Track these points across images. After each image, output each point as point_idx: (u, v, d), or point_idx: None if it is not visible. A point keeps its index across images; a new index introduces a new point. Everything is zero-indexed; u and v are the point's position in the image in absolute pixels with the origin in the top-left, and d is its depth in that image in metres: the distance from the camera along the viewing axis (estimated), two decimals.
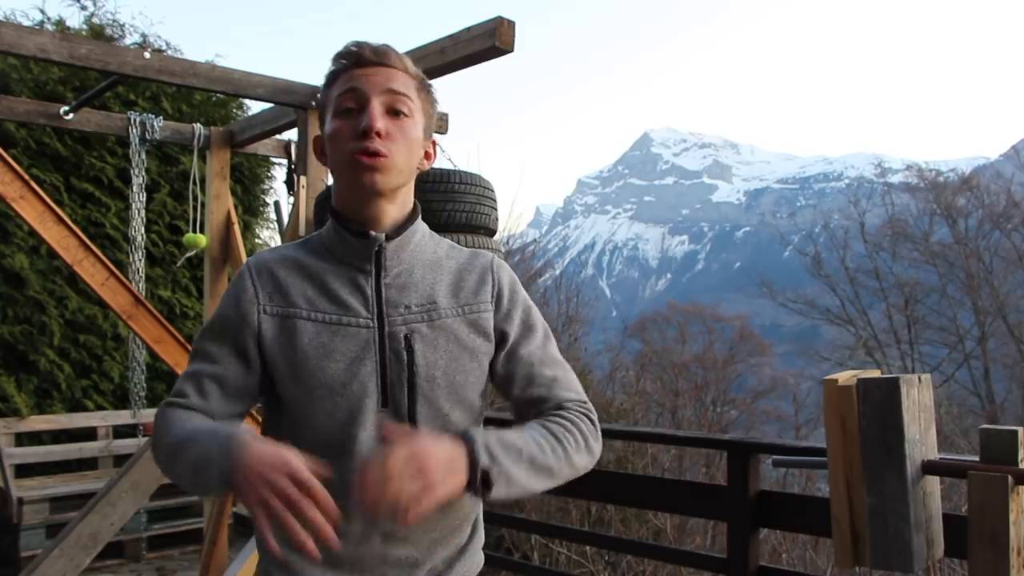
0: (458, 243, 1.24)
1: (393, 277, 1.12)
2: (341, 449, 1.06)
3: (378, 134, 1.06)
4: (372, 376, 1.07)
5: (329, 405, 1.07)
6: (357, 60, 1.10)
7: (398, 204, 1.13)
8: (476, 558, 1.21)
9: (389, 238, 1.11)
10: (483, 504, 1.23)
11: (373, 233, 1.10)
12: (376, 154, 1.06)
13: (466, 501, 1.14)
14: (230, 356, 1.10)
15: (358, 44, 1.11)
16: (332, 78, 1.12)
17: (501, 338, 1.17)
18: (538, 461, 1.04)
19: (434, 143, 1.20)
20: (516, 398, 1.17)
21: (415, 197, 1.20)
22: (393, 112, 1.09)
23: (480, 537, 1.23)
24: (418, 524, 0.97)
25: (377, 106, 1.07)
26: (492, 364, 1.17)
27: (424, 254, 1.16)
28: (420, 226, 1.17)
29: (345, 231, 1.11)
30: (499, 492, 0.98)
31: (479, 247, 2.50)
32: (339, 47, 1.13)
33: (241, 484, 0.90)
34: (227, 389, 1.10)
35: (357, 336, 1.08)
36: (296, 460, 0.90)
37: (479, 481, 0.96)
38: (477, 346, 1.14)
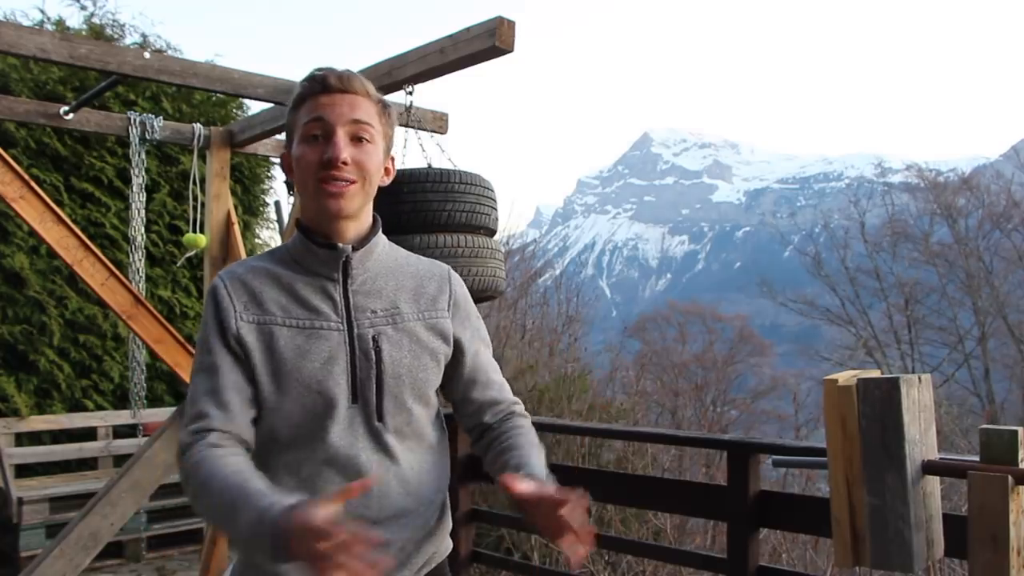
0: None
1: (359, 284, 1.22)
2: (313, 439, 1.16)
3: (344, 163, 1.15)
4: (344, 374, 1.17)
5: (306, 401, 1.15)
6: (323, 87, 1.18)
7: (360, 220, 1.23)
8: (444, 543, 1.31)
9: (355, 248, 1.21)
10: (446, 493, 1.33)
11: (340, 245, 1.19)
12: (340, 182, 1.15)
13: (431, 486, 1.26)
14: (233, 364, 1.16)
15: (323, 71, 1.19)
16: (298, 102, 1.20)
17: (459, 344, 1.30)
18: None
19: (392, 159, 1.30)
20: (475, 397, 1.33)
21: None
22: (356, 139, 1.17)
23: (448, 524, 1.33)
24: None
25: (342, 136, 1.16)
26: (454, 367, 1.30)
27: (386, 262, 1.26)
28: (381, 236, 1.28)
29: (313, 243, 1.20)
30: None
31: (479, 247, 2.51)
32: (309, 71, 1.21)
33: (293, 558, 0.92)
34: (243, 395, 1.15)
35: (329, 338, 1.17)
36: (326, 524, 0.89)
37: None
38: (437, 347, 1.26)
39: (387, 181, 1.28)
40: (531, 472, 1.16)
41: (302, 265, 1.21)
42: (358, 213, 1.21)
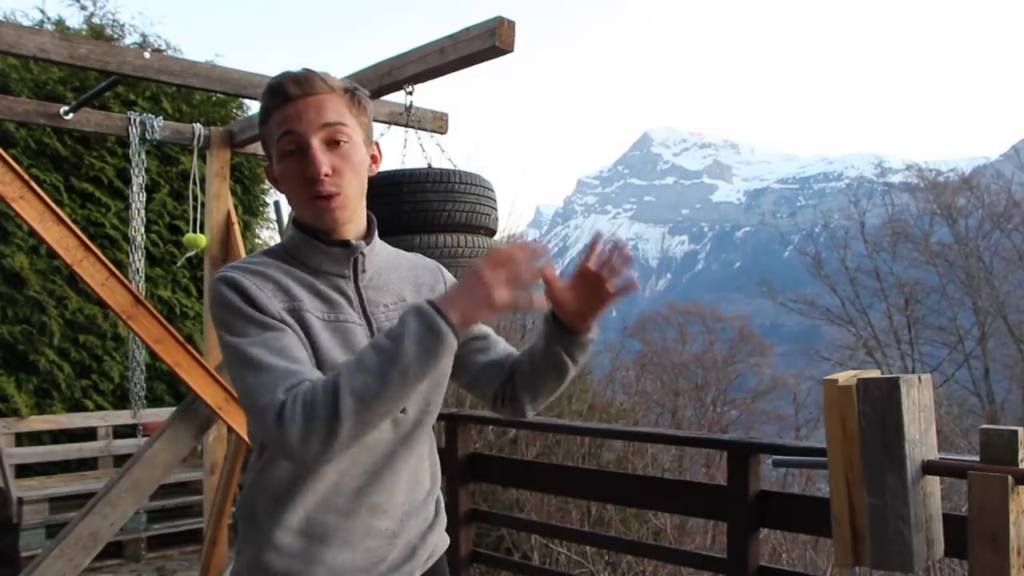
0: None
1: (368, 280, 1.22)
2: None
3: (326, 175, 1.12)
4: None
5: None
6: (285, 97, 1.13)
7: (357, 221, 1.21)
8: (443, 536, 1.33)
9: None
10: (439, 490, 1.34)
11: (354, 242, 1.18)
12: (329, 196, 1.13)
13: (426, 477, 1.28)
14: (289, 332, 1.08)
15: (280, 79, 1.14)
16: (265, 117, 1.17)
17: None
18: None
19: (376, 145, 1.27)
20: (492, 360, 1.36)
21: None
22: (333, 143, 1.14)
23: (443, 519, 1.35)
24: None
25: (317, 146, 1.12)
26: (464, 342, 1.32)
27: (384, 258, 1.27)
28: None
29: (321, 242, 1.18)
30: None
31: (479, 247, 2.51)
32: (273, 78, 1.16)
33: (478, 303, 1.01)
34: (310, 356, 1.09)
35: (355, 332, 1.16)
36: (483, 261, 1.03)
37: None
38: None
39: (375, 169, 1.25)
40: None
41: (308, 264, 1.18)
42: (353, 215, 1.19)
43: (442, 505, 1.34)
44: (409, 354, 0.96)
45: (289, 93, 1.12)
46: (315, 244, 1.17)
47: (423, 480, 1.26)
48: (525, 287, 1.03)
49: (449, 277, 1.37)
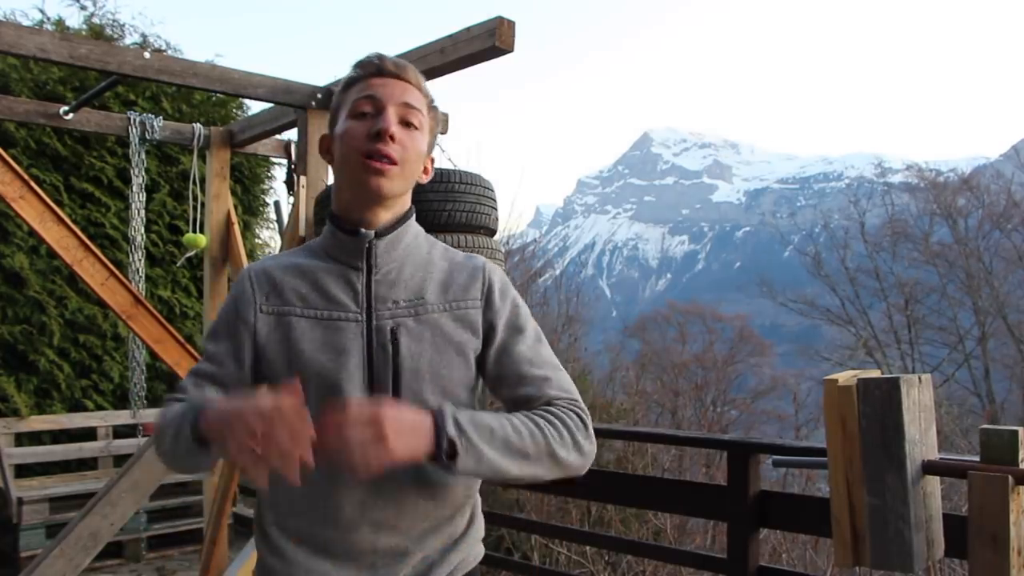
0: (458, 243, 1.29)
1: (383, 274, 1.17)
2: None
3: (392, 137, 1.12)
4: (359, 368, 1.12)
5: (322, 397, 1.09)
6: (378, 70, 1.17)
7: (393, 210, 1.19)
8: (473, 549, 1.23)
9: (379, 236, 1.16)
10: (477, 495, 1.27)
11: (363, 231, 1.16)
12: (386, 158, 1.12)
13: (458, 490, 1.18)
14: (228, 356, 1.17)
15: (380, 56, 1.18)
16: (350, 83, 1.19)
17: (489, 335, 1.18)
18: (513, 444, 1.05)
19: (431, 159, 1.28)
20: (507, 397, 1.19)
21: (413, 198, 1.25)
22: (405, 123, 1.15)
23: (478, 529, 1.26)
24: (375, 479, 0.98)
25: (393, 113, 1.14)
26: (483, 362, 1.19)
27: (417, 254, 1.21)
28: (413, 227, 1.23)
29: (339, 230, 1.18)
30: (466, 465, 1.01)
31: (479, 247, 2.51)
32: (360, 56, 1.21)
33: (215, 434, 0.99)
34: (221, 387, 1.17)
35: (346, 330, 1.13)
36: (264, 400, 0.94)
37: (445, 450, 0.99)
38: (463, 340, 1.16)
39: (425, 179, 1.25)
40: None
41: (328, 254, 1.19)
42: (395, 200, 1.17)
43: (478, 516, 1.26)
44: (169, 439, 1.09)
45: (384, 68, 1.17)
46: (335, 233, 1.18)
47: (447, 496, 1.16)
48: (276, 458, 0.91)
49: (493, 276, 1.22)
